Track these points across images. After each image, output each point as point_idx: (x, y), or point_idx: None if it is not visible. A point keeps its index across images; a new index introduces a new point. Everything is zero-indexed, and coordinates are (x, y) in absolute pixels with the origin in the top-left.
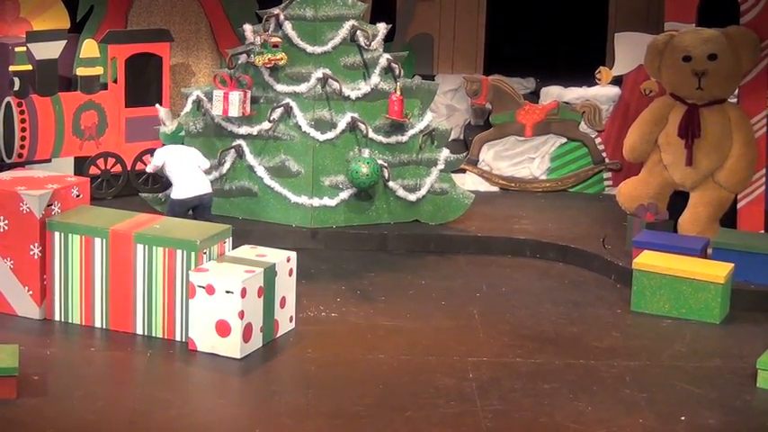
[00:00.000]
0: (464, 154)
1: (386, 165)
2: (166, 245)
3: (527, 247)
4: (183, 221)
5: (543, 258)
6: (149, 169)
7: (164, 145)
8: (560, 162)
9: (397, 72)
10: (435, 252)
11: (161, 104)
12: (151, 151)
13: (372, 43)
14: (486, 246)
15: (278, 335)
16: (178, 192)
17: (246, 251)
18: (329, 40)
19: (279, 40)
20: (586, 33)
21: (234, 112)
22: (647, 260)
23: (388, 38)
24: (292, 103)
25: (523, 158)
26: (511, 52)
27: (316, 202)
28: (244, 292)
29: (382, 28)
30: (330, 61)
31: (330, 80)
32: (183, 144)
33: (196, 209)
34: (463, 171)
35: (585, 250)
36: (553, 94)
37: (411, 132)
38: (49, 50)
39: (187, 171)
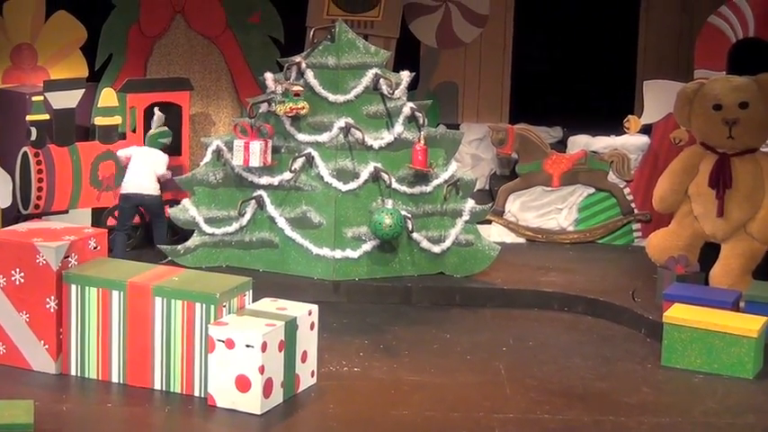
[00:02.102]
0: (490, 205)
1: (409, 216)
2: (185, 298)
3: (554, 300)
4: (202, 274)
5: (571, 312)
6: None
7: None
8: (588, 213)
9: (421, 121)
10: (460, 305)
11: (179, 154)
12: (170, 202)
13: (396, 92)
14: (513, 299)
15: (299, 390)
16: (122, 187)
17: (267, 304)
18: (352, 89)
19: (300, 88)
20: (615, 81)
21: (255, 162)
22: (677, 313)
23: (412, 86)
24: (314, 153)
25: (551, 209)
26: (537, 101)
27: (338, 254)
28: (264, 347)
29: (406, 76)
30: (353, 110)
31: (353, 129)
32: (159, 150)
33: (149, 216)
34: (489, 222)
35: (615, 303)
36: (581, 143)
37: (435, 182)
38: (67, 99)
39: (138, 169)
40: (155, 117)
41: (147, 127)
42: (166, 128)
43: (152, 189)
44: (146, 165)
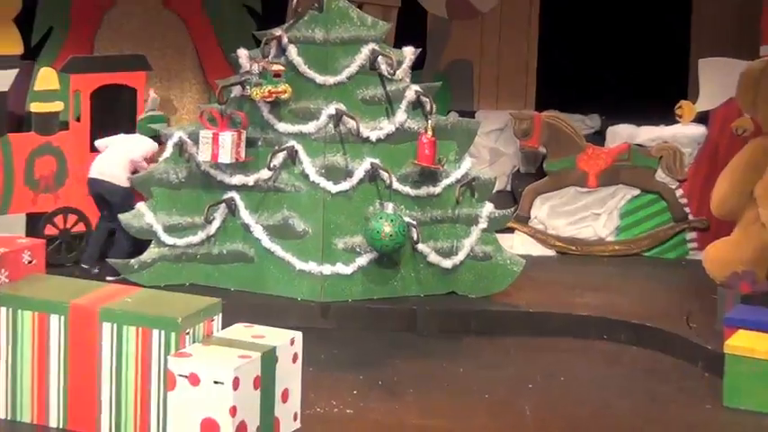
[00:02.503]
0: (512, 209)
1: (414, 223)
2: (140, 323)
3: (591, 327)
4: (161, 295)
5: (612, 340)
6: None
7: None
8: (632, 219)
9: (429, 108)
10: (477, 333)
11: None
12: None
13: (397, 72)
14: (541, 325)
15: None
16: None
17: (240, 331)
18: (343, 69)
19: (281, 68)
20: (664, 60)
21: (225, 157)
22: (742, 342)
23: (418, 65)
24: (298, 147)
25: (586, 215)
26: (570, 83)
27: (327, 269)
28: (236, 383)
29: (410, 53)
30: (345, 94)
31: (345, 118)
32: (148, 137)
33: (109, 213)
34: (511, 231)
35: (665, 330)
36: (623, 134)
37: (445, 182)
38: None
39: (108, 153)
40: (149, 99)
41: (96, 114)
42: (160, 113)
43: (116, 177)
44: (120, 149)
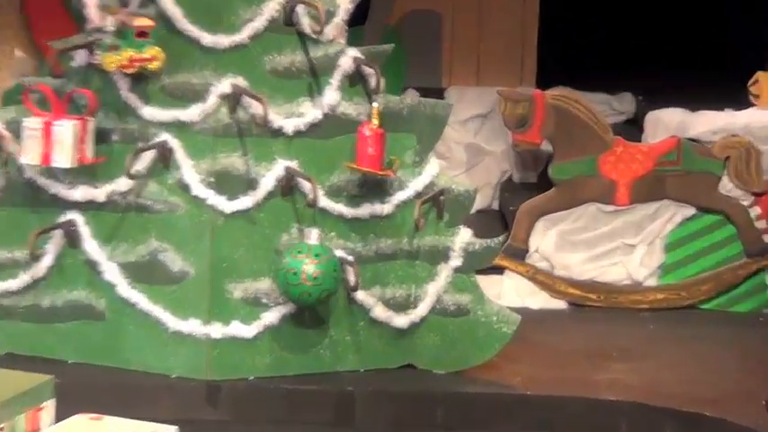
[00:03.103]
0: (501, 239)
1: (351, 260)
2: None
3: (623, 418)
4: None
5: None
6: None
7: None
8: (684, 253)
9: (374, 83)
10: (446, 428)
11: None
12: None
13: (326, 29)
14: (546, 415)
15: None
16: None
17: (83, 426)
18: (244, 24)
19: (149, 23)
20: (723, 16)
21: (62, 158)
22: None
23: (357, 19)
24: (173, 143)
25: (614, 247)
26: (588, 47)
27: (217, 331)
28: None
29: (345, 1)
30: (246, 63)
31: (246, 99)
32: None
33: None
34: (500, 271)
35: (734, 422)
36: (670, 123)
37: (399, 197)
38: None
39: None
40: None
41: None
42: None
43: None
44: None
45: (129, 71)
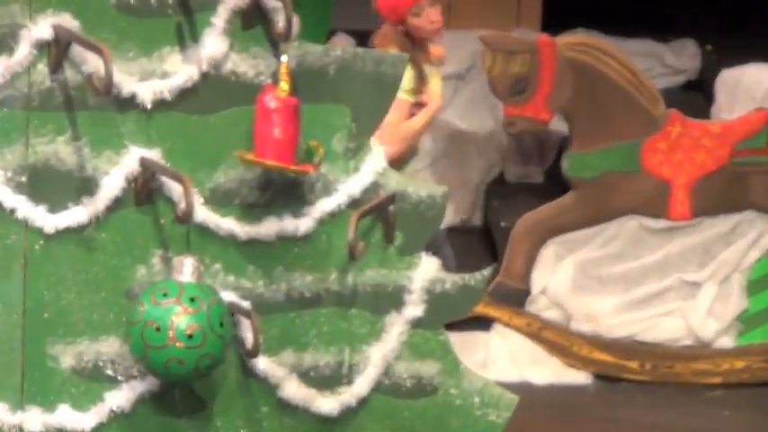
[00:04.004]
0: (485, 272)
1: (247, 308)
2: None
3: None
4: None
5: None
6: None
7: None
8: None
9: (283, 24)
10: None
11: None
12: None
13: None
14: None
15: None
16: None
17: None
18: None
19: None
20: None
21: None
22: None
23: None
24: None
25: (666, 285)
26: None
27: (34, 420)
28: None
29: None
30: None
31: (76, 48)
32: None
33: None
34: (485, 324)
35: None
36: (755, 87)
37: (324, 206)
38: None
39: None
40: None
41: None
42: None
43: None
44: None
45: None
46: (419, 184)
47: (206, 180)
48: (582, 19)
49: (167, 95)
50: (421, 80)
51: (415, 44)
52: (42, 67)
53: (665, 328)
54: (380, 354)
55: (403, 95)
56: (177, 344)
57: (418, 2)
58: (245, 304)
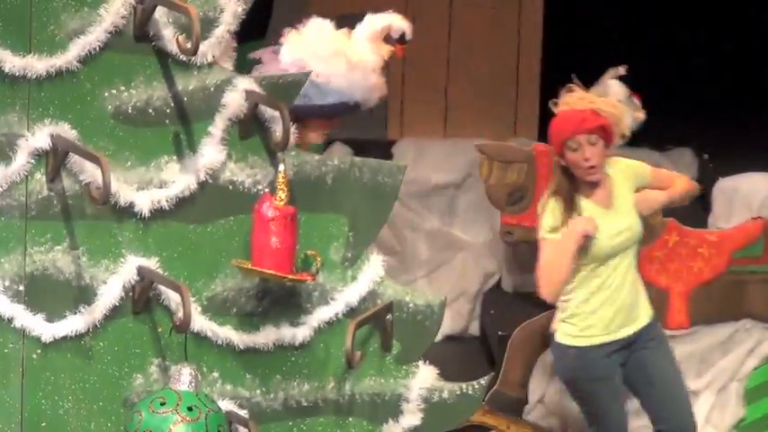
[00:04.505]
0: (483, 381)
1: (244, 417)
2: None
3: None
4: None
5: None
6: None
7: None
8: None
9: (280, 133)
10: None
11: None
12: None
13: (204, 45)
14: None
15: None
16: None
17: None
18: (69, 38)
19: None
20: None
21: None
22: None
23: (256, 29)
24: None
25: None
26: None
27: None
28: None
29: (231, 3)
30: (74, 101)
31: (74, 157)
32: None
33: None
34: None
35: None
36: (752, 196)
37: (322, 315)
38: None
39: None
40: None
41: None
42: None
43: None
44: None
45: None
46: (416, 294)
47: (203, 289)
48: None
49: (165, 204)
50: (568, 214)
51: (574, 179)
52: (40, 176)
53: None
54: None
55: (546, 235)
56: None
57: (574, 137)
58: (243, 413)
